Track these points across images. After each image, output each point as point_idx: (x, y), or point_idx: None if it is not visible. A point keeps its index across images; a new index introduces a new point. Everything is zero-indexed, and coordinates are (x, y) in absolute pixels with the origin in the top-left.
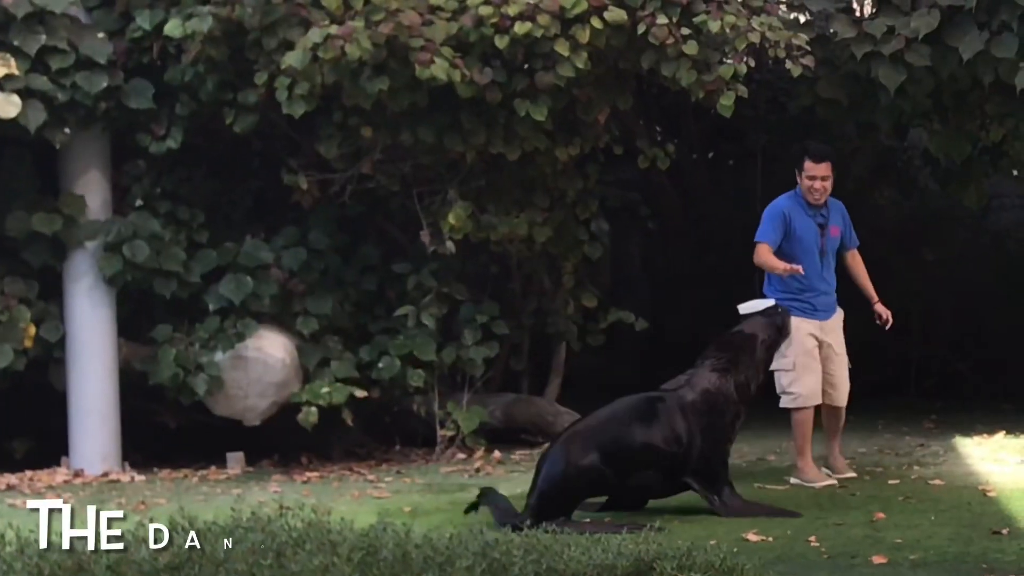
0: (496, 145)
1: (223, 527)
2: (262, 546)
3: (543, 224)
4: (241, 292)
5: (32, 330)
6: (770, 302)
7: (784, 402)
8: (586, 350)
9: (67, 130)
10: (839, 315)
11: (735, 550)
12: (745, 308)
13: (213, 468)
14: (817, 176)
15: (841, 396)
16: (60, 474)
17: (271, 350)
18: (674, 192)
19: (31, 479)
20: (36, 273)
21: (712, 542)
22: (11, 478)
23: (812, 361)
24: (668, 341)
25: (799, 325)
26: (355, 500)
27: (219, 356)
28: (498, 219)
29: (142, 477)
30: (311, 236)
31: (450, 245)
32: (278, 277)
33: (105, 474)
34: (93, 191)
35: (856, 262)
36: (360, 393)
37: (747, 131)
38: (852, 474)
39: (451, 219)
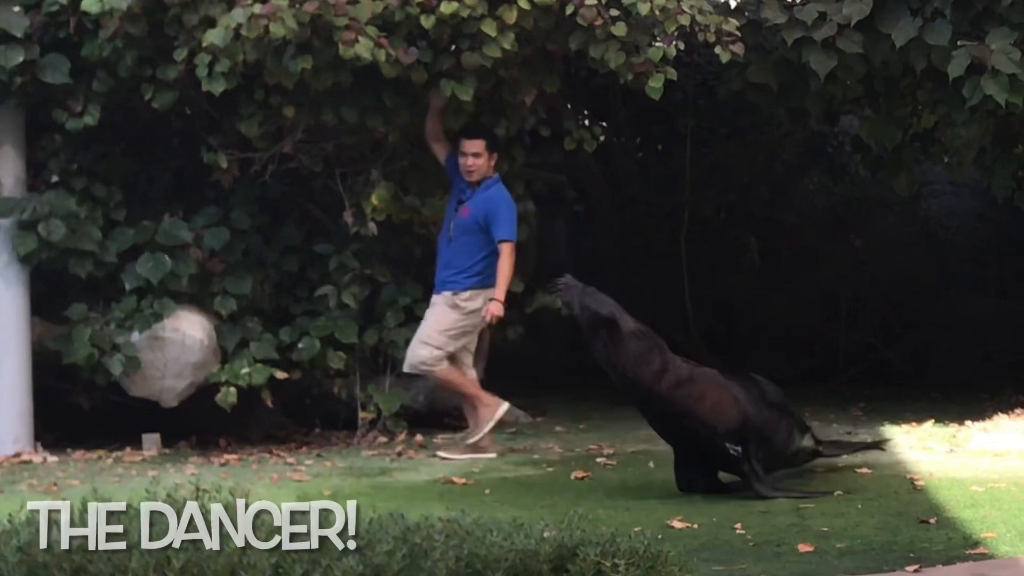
0: (420, 126)
1: (137, 508)
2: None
3: None
4: (159, 271)
5: None
6: None
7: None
8: (509, 334)
9: None
10: (442, 296)
11: (659, 537)
12: None
13: (128, 450)
14: (468, 153)
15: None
16: None
17: (189, 330)
18: (601, 175)
19: None
20: None
21: (636, 529)
22: None
23: None
24: None
25: None
26: (274, 483)
27: (135, 336)
28: (421, 201)
29: (55, 458)
30: (232, 216)
31: (373, 226)
32: (197, 257)
33: (17, 455)
34: (6, 168)
35: (500, 258)
36: (280, 374)
37: (676, 115)
38: None
39: (374, 200)
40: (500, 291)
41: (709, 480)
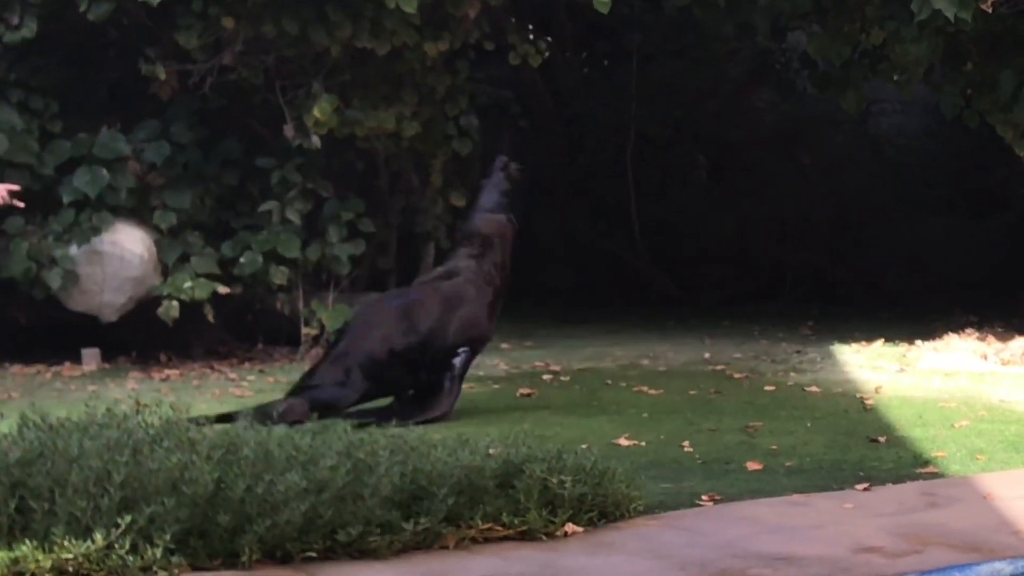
0: (362, 39)
1: (77, 423)
2: (118, 443)
3: (411, 119)
4: (97, 185)
5: None
6: None
7: None
8: (452, 249)
9: None
10: None
11: (606, 455)
12: None
13: (67, 364)
14: None
15: None
16: None
17: (128, 244)
18: (546, 91)
19: None
20: None
21: (583, 446)
22: None
23: None
24: (539, 244)
25: None
26: (216, 399)
27: (74, 250)
28: (364, 114)
29: None
30: (171, 129)
31: (315, 140)
32: (135, 170)
33: None
34: None
35: None
36: (223, 289)
37: (622, 31)
38: None
39: (316, 113)
40: None
41: None
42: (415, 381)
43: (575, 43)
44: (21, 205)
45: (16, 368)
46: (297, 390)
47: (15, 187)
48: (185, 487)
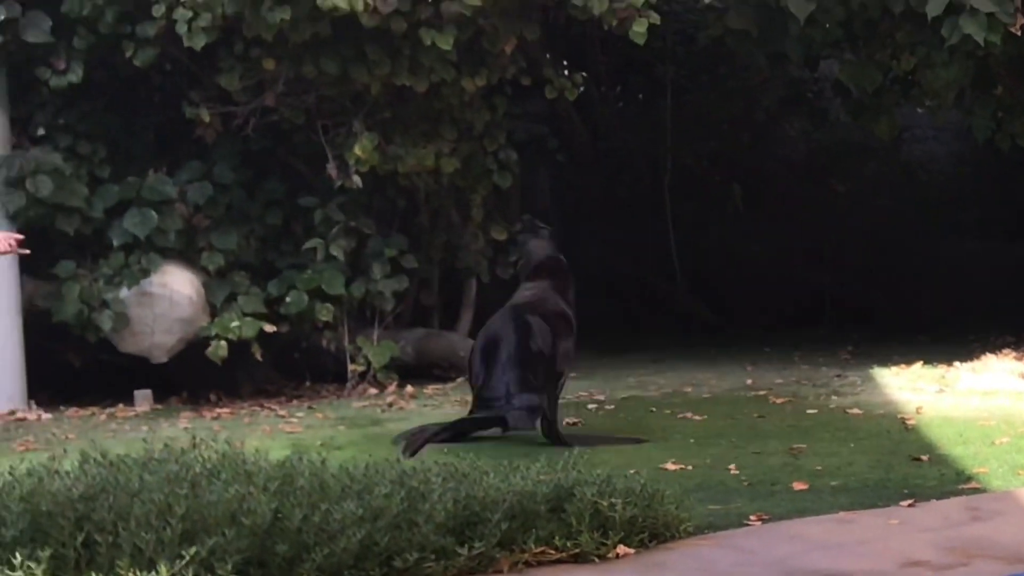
0: (401, 76)
1: (136, 459)
2: (177, 477)
3: (450, 155)
4: (146, 227)
5: None
6: None
7: None
8: (496, 283)
9: None
10: None
11: (655, 478)
12: None
13: (121, 406)
14: None
15: None
16: None
17: (177, 286)
18: (582, 125)
19: None
20: None
21: (631, 471)
22: None
23: None
24: (578, 274)
25: None
26: (267, 435)
27: (124, 292)
28: (405, 151)
29: (49, 415)
30: (215, 170)
31: (357, 178)
32: (183, 212)
33: (11, 412)
34: None
35: None
36: (269, 328)
37: (655, 63)
38: None
39: (357, 151)
40: None
41: None
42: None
43: (610, 77)
44: (27, 252)
45: (71, 410)
46: (485, 403)
47: (20, 236)
48: (244, 518)
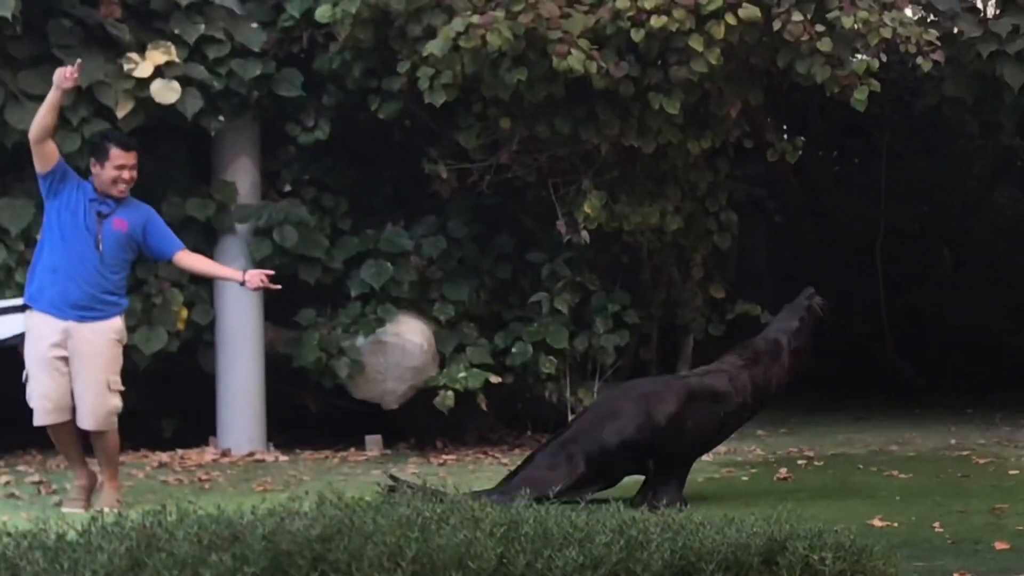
0: (630, 137)
1: (370, 502)
2: (408, 520)
3: (674, 214)
4: (382, 278)
5: (184, 313)
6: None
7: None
8: (710, 341)
9: (221, 118)
10: (103, 326)
11: (862, 533)
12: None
13: (352, 450)
14: (127, 165)
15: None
16: (208, 453)
17: (410, 335)
18: (799, 188)
19: (182, 458)
20: None
21: (840, 526)
22: (163, 456)
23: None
24: None
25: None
26: (491, 482)
27: (360, 341)
28: (631, 209)
29: (285, 458)
30: (449, 225)
31: (584, 235)
32: (417, 264)
33: (251, 454)
34: (243, 178)
35: (191, 258)
36: (494, 379)
37: (872, 129)
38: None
39: (586, 209)
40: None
41: None
42: (643, 471)
43: (827, 141)
44: (278, 287)
45: (307, 453)
46: (512, 473)
47: (271, 272)
48: (470, 562)
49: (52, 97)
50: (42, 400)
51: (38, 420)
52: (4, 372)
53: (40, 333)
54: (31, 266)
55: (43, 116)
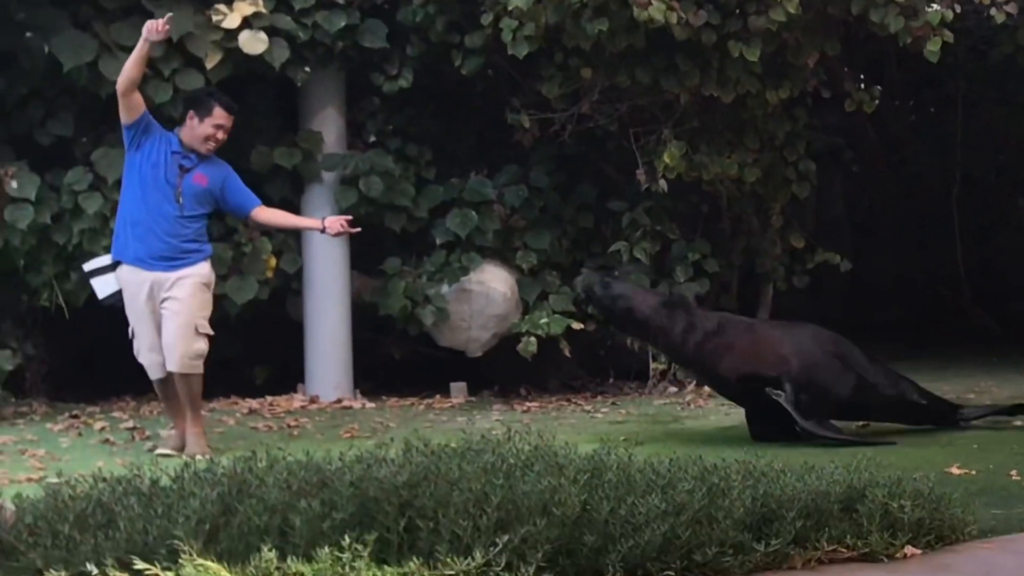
0: (709, 87)
1: (455, 449)
2: (493, 467)
3: (753, 164)
4: (466, 227)
5: (273, 262)
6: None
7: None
8: (790, 290)
9: (307, 68)
10: (192, 271)
11: (940, 481)
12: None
13: (437, 397)
14: (224, 126)
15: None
16: (297, 400)
17: (494, 283)
18: (876, 137)
19: (271, 404)
20: (276, 206)
21: (918, 474)
22: (252, 403)
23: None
24: (869, 283)
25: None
26: (574, 429)
27: (445, 289)
28: (710, 159)
29: (372, 405)
30: (531, 174)
31: (663, 184)
32: (500, 213)
33: (338, 401)
34: (329, 127)
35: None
36: (577, 325)
37: (947, 79)
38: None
39: (666, 158)
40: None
41: (783, 428)
42: None
43: (903, 91)
44: (358, 230)
45: (392, 400)
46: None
47: (349, 217)
48: (555, 509)
49: (140, 49)
50: (150, 354)
51: (154, 375)
52: (98, 321)
53: (133, 288)
54: (116, 221)
55: (130, 68)
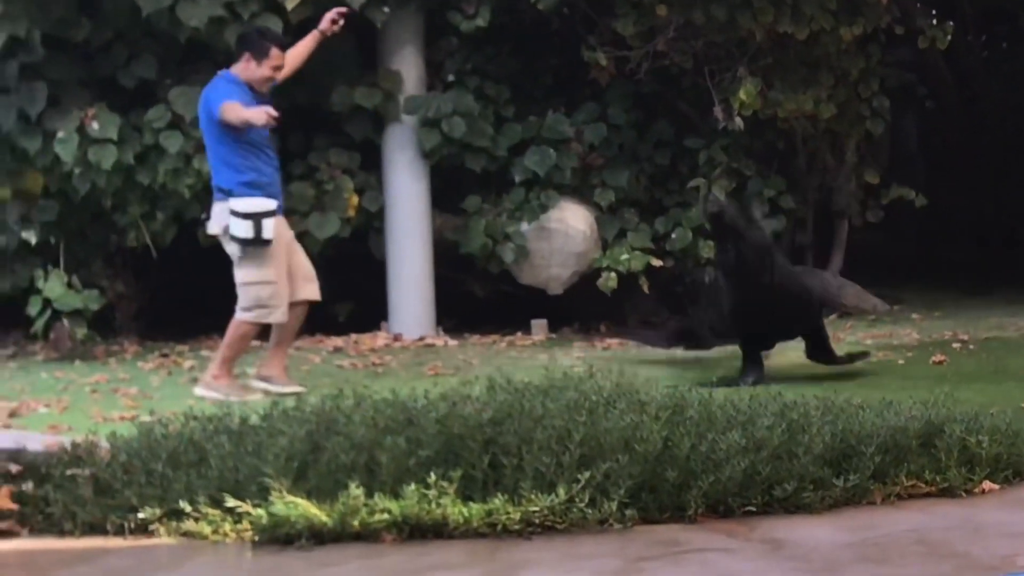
0: (784, 24)
1: (539, 386)
2: (576, 404)
3: (827, 101)
4: (545, 164)
5: (355, 200)
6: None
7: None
8: (865, 225)
9: (386, 8)
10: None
11: (1017, 417)
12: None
13: (519, 334)
14: (281, 65)
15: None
16: (381, 338)
17: (572, 221)
18: (949, 73)
19: (355, 342)
20: (357, 145)
21: (995, 409)
22: (337, 341)
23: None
24: (944, 219)
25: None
26: (653, 366)
27: (524, 227)
28: (785, 96)
29: (454, 342)
30: (609, 112)
31: (739, 121)
32: (578, 151)
33: (421, 338)
34: (408, 68)
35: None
36: (656, 262)
37: (1019, 13)
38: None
39: (741, 95)
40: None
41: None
42: None
43: (975, 27)
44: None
45: (474, 338)
46: None
47: (343, 9)
48: (636, 445)
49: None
50: (281, 300)
51: (278, 318)
52: (186, 261)
53: (287, 238)
54: (232, 175)
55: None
